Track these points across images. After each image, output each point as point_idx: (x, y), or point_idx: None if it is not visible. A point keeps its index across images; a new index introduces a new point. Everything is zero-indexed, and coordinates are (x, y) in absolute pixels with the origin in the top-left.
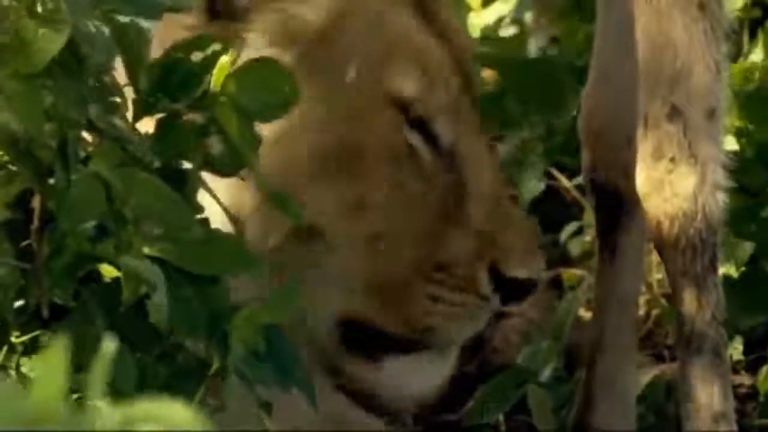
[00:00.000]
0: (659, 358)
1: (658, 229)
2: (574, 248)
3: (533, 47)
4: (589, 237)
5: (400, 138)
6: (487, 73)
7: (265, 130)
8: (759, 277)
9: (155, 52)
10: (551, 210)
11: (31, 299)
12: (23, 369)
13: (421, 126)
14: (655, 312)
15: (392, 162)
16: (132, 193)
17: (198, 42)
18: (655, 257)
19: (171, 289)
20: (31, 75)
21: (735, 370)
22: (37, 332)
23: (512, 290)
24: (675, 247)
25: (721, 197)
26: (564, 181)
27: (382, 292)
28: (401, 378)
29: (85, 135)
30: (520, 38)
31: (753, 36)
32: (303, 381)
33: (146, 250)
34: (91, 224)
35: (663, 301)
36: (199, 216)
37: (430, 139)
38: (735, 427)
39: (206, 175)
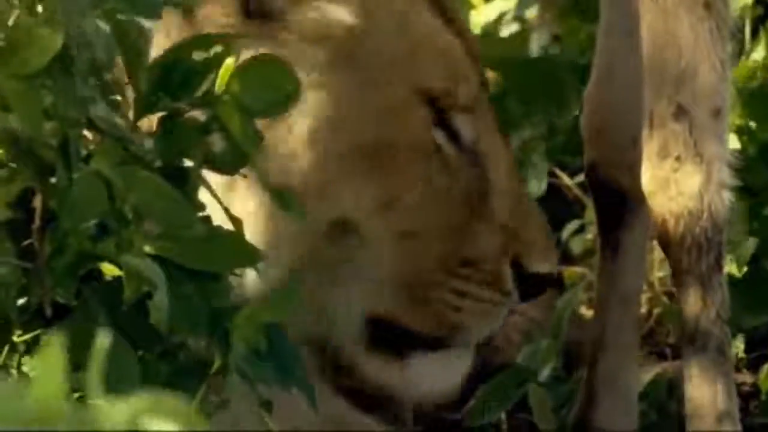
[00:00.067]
0: (661, 356)
1: (664, 228)
2: (576, 246)
3: (535, 45)
4: (590, 235)
5: (430, 135)
6: (489, 74)
7: (297, 129)
8: (761, 276)
9: None
10: (553, 208)
11: (33, 298)
12: (25, 368)
13: (446, 123)
14: (656, 310)
15: (423, 158)
16: (133, 192)
17: (199, 41)
18: (656, 255)
19: (172, 288)
20: (31, 75)
21: (737, 369)
22: (39, 331)
23: (533, 285)
24: (680, 246)
25: (727, 196)
26: (566, 179)
27: (410, 288)
28: (426, 376)
29: (87, 133)
30: (522, 36)
31: (755, 34)
32: (303, 380)
33: (147, 248)
34: (92, 223)
35: (664, 299)
36: (200, 214)
37: (453, 135)
38: (739, 426)
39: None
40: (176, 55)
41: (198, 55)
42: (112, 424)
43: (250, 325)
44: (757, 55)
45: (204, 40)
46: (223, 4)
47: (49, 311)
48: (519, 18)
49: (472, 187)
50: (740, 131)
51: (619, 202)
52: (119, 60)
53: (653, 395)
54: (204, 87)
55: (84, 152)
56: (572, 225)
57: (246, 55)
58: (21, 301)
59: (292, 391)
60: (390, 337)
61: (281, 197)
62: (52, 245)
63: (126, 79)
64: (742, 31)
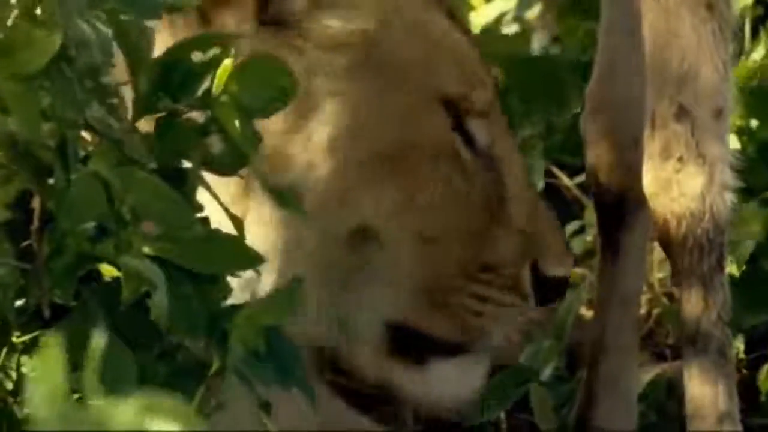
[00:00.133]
0: (660, 357)
1: (666, 229)
2: (576, 247)
3: (536, 46)
4: (590, 236)
5: (449, 139)
6: None
7: (317, 137)
8: (760, 276)
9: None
10: (552, 209)
11: (31, 299)
12: (24, 369)
13: (462, 127)
14: (656, 311)
15: (442, 163)
16: (131, 193)
17: (198, 42)
18: (656, 256)
19: (171, 288)
20: (29, 76)
21: (736, 369)
22: (37, 332)
23: (550, 289)
24: (682, 247)
25: (729, 197)
26: (565, 180)
27: (430, 294)
28: (446, 382)
29: (85, 134)
30: (523, 36)
31: (755, 34)
32: (303, 381)
33: (146, 249)
34: (90, 224)
35: (664, 300)
36: (198, 215)
37: (470, 140)
38: (740, 427)
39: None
40: (175, 55)
41: (197, 56)
42: (116, 425)
43: (250, 326)
44: (757, 55)
45: (203, 41)
46: (239, 11)
47: (47, 312)
48: (519, 19)
49: (489, 192)
50: (740, 132)
51: (619, 203)
52: (115, 62)
53: (653, 396)
54: (203, 88)
55: (82, 153)
56: (572, 226)
57: None
58: (19, 303)
59: (291, 392)
60: (410, 344)
61: (281, 197)
62: (50, 246)
63: (123, 81)
64: (742, 31)
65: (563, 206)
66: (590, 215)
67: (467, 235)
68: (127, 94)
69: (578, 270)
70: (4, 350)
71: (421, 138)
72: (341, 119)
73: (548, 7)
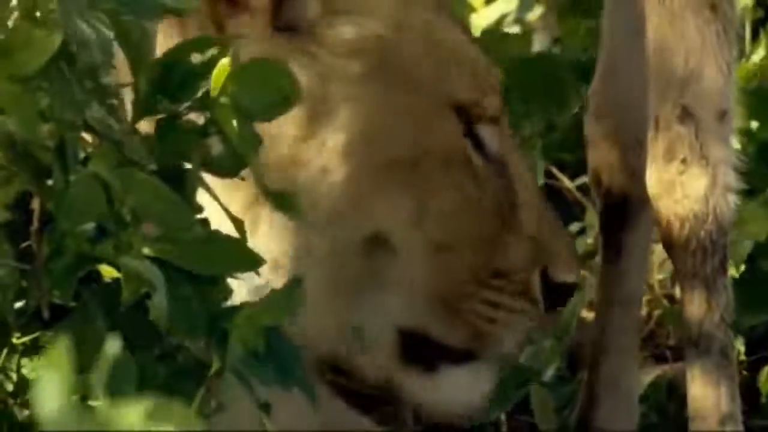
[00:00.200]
0: (661, 358)
1: (669, 231)
2: (577, 249)
3: (537, 48)
4: (591, 238)
5: (462, 146)
6: None
7: (331, 143)
8: (758, 277)
9: None
10: (553, 210)
11: (31, 300)
12: (24, 370)
13: (473, 133)
14: (656, 312)
15: (456, 169)
16: (131, 194)
17: (198, 43)
18: (656, 258)
19: (170, 290)
20: (27, 77)
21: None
22: (37, 333)
23: (559, 295)
24: (685, 249)
25: (732, 199)
26: (566, 182)
27: (443, 301)
28: (457, 389)
29: (85, 135)
30: (524, 38)
31: (755, 36)
32: (303, 381)
33: (146, 250)
34: (90, 225)
35: (665, 301)
36: (198, 216)
37: (480, 146)
38: (741, 429)
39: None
40: (175, 57)
41: (197, 58)
42: (122, 427)
43: (249, 327)
44: (757, 56)
45: (203, 42)
46: (253, 17)
47: (46, 313)
48: (520, 20)
49: (501, 198)
50: (740, 133)
51: (622, 204)
52: (115, 63)
53: (653, 397)
54: (202, 89)
55: (83, 155)
56: (572, 227)
57: None
58: (19, 304)
59: (292, 392)
60: (421, 351)
61: (280, 200)
62: (50, 247)
63: (122, 82)
64: (742, 32)
65: (564, 208)
66: (591, 217)
67: (479, 241)
68: (127, 96)
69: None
70: (4, 351)
71: (434, 144)
72: (356, 125)
73: (549, 9)
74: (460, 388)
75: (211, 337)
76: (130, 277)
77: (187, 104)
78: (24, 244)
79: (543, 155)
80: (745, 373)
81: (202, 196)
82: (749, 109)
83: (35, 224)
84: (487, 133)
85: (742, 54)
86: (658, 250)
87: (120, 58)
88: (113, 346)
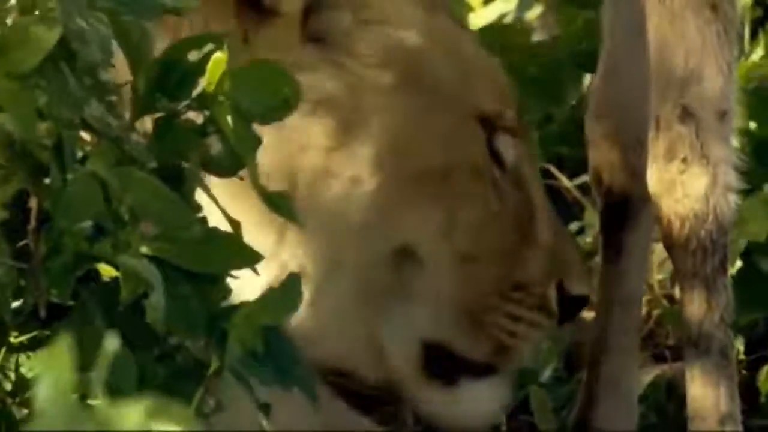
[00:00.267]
0: (660, 358)
1: (669, 230)
2: None
3: None
4: (590, 237)
5: (487, 157)
6: None
7: (361, 154)
8: (754, 274)
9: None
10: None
11: (28, 299)
12: (22, 369)
13: (493, 145)
14: (656, 312)
15: (482, 181)
16: (129, 193)
17: (196, 41)
18: (656, 258)
19: (169, 289)
20: (24, 74)
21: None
22: (35, 332)
23: (572, 308)
24: (685, 248)
25: (733, 198)
26: (565, 181)
27: (467, 313)
28: (476, 403)
29: (83, 134)
30: (523, 30)
31: (754, 35)
32: (303, 380)
33: (144, 249)
34: (88, 223)
35: (664, 301)
36: (197, 215)
37: (499, 158)
38: (741, 428)
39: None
40: (173, 55)
41: (194, 56)
42: (122, 426)
43: (248, 327)
44: (756, 56)
45: (201, 41)
46: (283, 28)
47: (44, 312)
48: (519, 20)
49: (520, 210)
50: (739, 132)
51: (623, 204)
52: (114, 61)
53: (653, 397)
54: (201, 88)
55: (80, 153)
56: (572, 227)
57: (306, 80)
58: (16, 303)
59: (292, 392)
60: (442, 364)
61: (274, 203)
62: (47, 246)
63: (122, 80)
64: (741, 32)
65: (564, 207)
66: (590, 216)
67: (502, 253)
68: (127, 95)
69: None
70: (2, 350)
71: (462, 156)
72: (386, 136)
73: (549, 8)
74: (480, 402)
75: (210, 336)
76: (129, 276)
77: (185, 103)
78: (21, 243)
79: (540, 148)
80: (744, 372)
81: (219, 197)
82: (748, 109)
83: (33, 223)
84: (505, 144)
85: (741, 53)
86: (658, 250)
87: (119, 57)
88: (112, 344)
